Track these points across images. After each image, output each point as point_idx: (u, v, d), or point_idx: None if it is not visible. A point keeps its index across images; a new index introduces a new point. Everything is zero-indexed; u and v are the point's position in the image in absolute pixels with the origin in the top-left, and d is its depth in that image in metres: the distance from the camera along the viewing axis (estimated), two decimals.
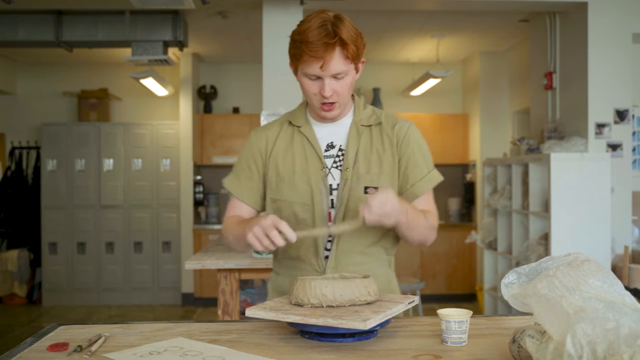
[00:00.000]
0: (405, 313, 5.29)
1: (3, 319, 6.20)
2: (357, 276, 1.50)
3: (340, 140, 1.71)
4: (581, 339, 0.96)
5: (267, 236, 1.43)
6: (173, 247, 6.86)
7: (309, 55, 1.54)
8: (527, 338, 1.12)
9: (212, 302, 6.62)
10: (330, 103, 1.62)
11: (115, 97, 7.14)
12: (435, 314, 1.38)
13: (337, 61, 1.55)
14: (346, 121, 1.73)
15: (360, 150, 1.69)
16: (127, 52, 5.83)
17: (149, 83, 6.17)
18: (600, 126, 4.49)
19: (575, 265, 1.12)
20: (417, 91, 6.88)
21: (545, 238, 4.38)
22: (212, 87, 7.18)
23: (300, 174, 1.67)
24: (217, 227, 6.76)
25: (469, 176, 7.09)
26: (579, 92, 4.59)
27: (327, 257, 1.67)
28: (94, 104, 6.97)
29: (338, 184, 1.67)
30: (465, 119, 7.14)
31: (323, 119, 1.71)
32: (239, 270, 3.45)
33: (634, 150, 5.06)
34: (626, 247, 4.27)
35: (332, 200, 1.67)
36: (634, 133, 5.06)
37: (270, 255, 3.06)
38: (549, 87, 4.87)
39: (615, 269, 4.29)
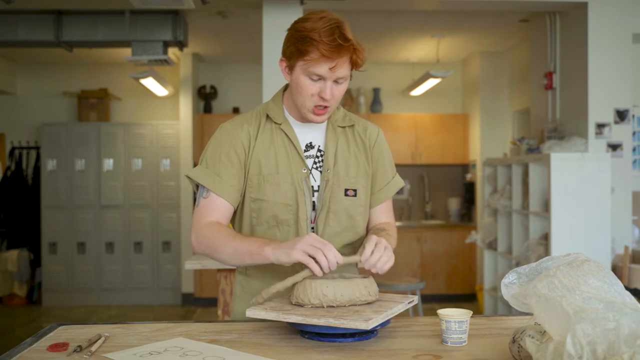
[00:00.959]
0: (405, 313, 5.29)
1: (3, 319, 6.20)
2: (358, 276, 1.50)
3: (318, 141, 1.69)
4: (581, 339, 0.96)
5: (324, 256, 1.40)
6: (173, 247, 6.86)
7: (321, 54, 1.50)
8: (527, 338, 1.12)
9: (212, 302, 6.62)
10: (324, 107, 1.59)
11: (115, 97, 7.14)
12: (435, 314, 1.38)
13: (345, 65, 1.54)
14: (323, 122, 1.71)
15: (339, 151, 1.69)
16: (127, 52, 5.83)
17: (149, 83, 6.17)
18: (600, 126, 4.49)
19: (575, 265, 1.12)
20: (417, 91, 6.88)
21: (545, 238, 4.38)
22: (212, 87, 7.18)
23: (284, 173, 1.63)
24: None
25: (469, 176, 7.09)
26: (579, 92, 4.59)
27: None
28: (94, 104, 6.97)
29: (319, 186, 1.66)
30: (465, 119, 7.14)
31: (307, 121, 1.66)
32: None
33: (634, 150, 5.06)
34: (626, 247, 4.27)
35: (313, 202, 1.65)
36: (634, 133, 5.06)
37: None
38: (549, 87, 4.87)
39: (615, 269, 4.29)
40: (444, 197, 7.45)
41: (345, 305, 1.39)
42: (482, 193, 6.13)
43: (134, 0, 4.06)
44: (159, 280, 6.87)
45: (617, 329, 0.96)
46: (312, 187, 1.66)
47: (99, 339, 1.36)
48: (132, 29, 5.03)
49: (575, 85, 4.65)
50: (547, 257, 1.23)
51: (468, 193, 7.06)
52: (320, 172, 1.67)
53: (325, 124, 1.71)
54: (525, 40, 6.06)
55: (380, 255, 1.47)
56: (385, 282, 4.53)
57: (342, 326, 1.28)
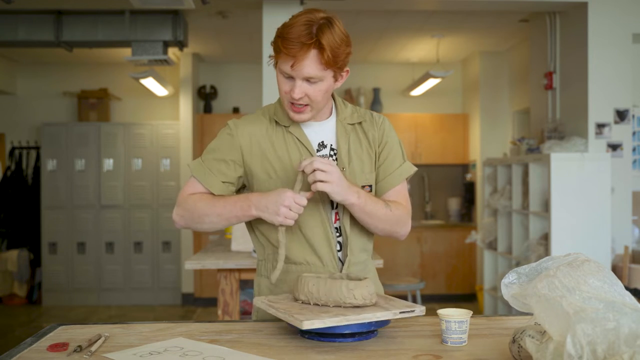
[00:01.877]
0: None
1: (3, 319, 6.20)
2: (361, 277, 1.47)
3: (330, 139, 1.68)
4: (581, 339, 0.96)
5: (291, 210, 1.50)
6: (173, 247, 6.86)
7: (283, 52, 1.51)
8: (527, 338, 1.12)
9: (212, 302, 6.62)
10: (300, 105, 1.58)
11: (115, 97, 7.14)
12: (435, 314, 1.38)
13: (310, 64, 1.51)
14: (331, 120, 1.70)
15: (352, 148, 1.68)
16: (127, 52, 5.83)
17: (149, 83, 6.17)
18: (600, 126, 4.49)
19: (575, 265, 1.12)
20: (417, 91, 6.88)
21: (545, 238, 4.38)
22: (212, 87, 7.18)
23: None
24: None
25: (469, 176, 7.09)
26: (579, 92, 4.59)
27: (340, 259, 1.66)
28: (94, 104, 6.97)
29: None
30: (465, 119, 7.14)
31: (313, 119, 1.66)
32: (239, 270, 3.45)
33: (634, 150, 5.06)
34: (626, 247, 4.27)
35: (331, 201, 1.64)
36: (634, 133, 5.06)
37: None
38: (549, 87, 4.87)
39: (615, 269, 4.29)
40: (444, 197, 7.45)
41: (329, 305, 1.39)
42: (482, 193, 6.13)
43: (134, 0, 4.06)
44: (159, 280, 6.87)
45: (617, 329, 0.96)
46: None
47: (99, 339, 1.36)
48: (132, 29, 5.03)
49: (575, 85, 4.65)
50: (547, 257, 1.23)
51: (468, 193, 7.06)
52: None
53: (334, 122, 1.70)
54: (525, 40, 6.06)
55: (316, 165, 1.48)
56: (385, 282, 4.53)
57: (286, 320, 1.33)
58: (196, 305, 6.76)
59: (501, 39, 6.29)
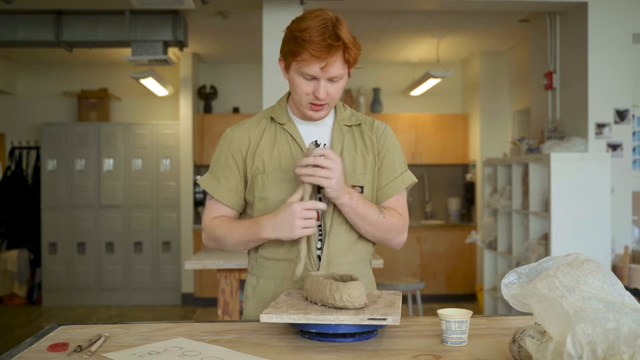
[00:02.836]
0: (405, 313, 5.29)
1: (3, 319, 6.20)
2: (355, 278, 1.45)
3: (324, 139, 1.70)
4: (581, 339, 0.96)
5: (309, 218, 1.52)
6: (173, 247, 6.86)
7: (311, 54, 1.51)
8: (527, 338, 1.12)
9: (212, 302, 6.62)
10: (320, 104, 1.61)
11: (115, 97, 7.14)
12: (435, 314, 1.38)
13: (338, 64, 1.54)
14: (328, 121, 1.72)
15: (345, 148, 1.69)
16: (127, 52, 5.83)
17: (149, 83, 6.17)
18: (600, 126, 4.49)
19: (575, 265, 1.12)
20: (417, 91, 6.88)
21: (545, 238, 4.38)
22: (212, 87, 7.18)
23: (287, 171, 1.64)
24: None
25: (469, 176, 7.09)
26: (579, 92, 4.59)
27: (319, 256, 1.65)
28: (94, 104, 6.97)
29: None
30: (465, 119, 7.14)
31: (308, 118, 1.68)
32: (239, 270, 3.45)
33: (634, 150, 5.06)
34: (626, 247, 4.27)
35: (319, 198, 1.65)
36: (634, 133, 5.06)
37: None
38: (549, 87, 4.87)
39: (615, 269, 4.29)
40: (444, 197, 7.45)
41: (317, 304, 1.40)
42: (482, 193, 6.13)
43: (134, 0, 4.06)
44: (159, 280, 6.87)
45: (617, 329, 0.96)
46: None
47: (99, 339, 1.36)
48: (132, 29, 5.03)
49: (575, 85, 4.65)
50: (547, 257, 1.23)
51: (468, 193, 7.06)
52: None
53: (331, 122, 1.72)
54: (525, 40, 6.06)
55: (319, 162, 1.49)
56: (385, 282, 4.53)
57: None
58: (196, 305, 6.76)
59: (501, 39, 6.29)
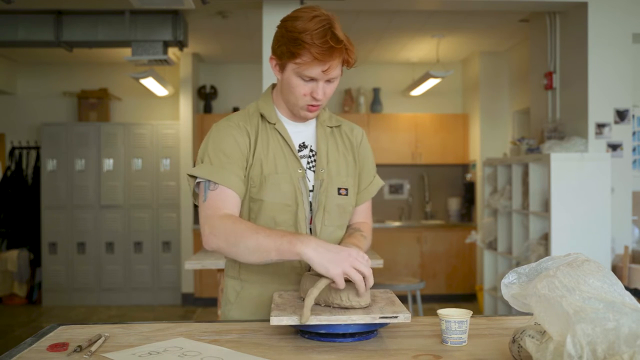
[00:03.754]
0: None
1: (3, 319, 6.20)
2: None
3: (310, 141, 1.69)
4: (581, 339, 0.96)
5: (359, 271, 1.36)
6: (173, 247, 6.86)
7: (314, 57, 1.48)
8: (527, 338, 1.12)
9: (212, 302, 6.62)
10: (317, 105, 1.59)
11: (115, 97, 7.14)
12: (435, 314, 1.38)
13: (338, 66, 1.53)
14: (312, 121, 1.71)
15: (330, 150, 1.69)
16: (127, 52, 5.83)
17: (149, 83, 6.17)
18: (600, 126, 4.49)
19: (575, 265, 1.12)
20: (417, 91, 6.88)
21: (545, 238, 4.38)
22: (212, 87, 7.18)
23: (282, 173, 1.62)
24: None
25: (469, 176, 7.09)
26: (579, 92, 4.59)
27: None
28: (94, 104, 6.97)
29: (313, 185, 1.66)
30: (465, 119, 7.14)
31: (299, 118, 1.66)
32: None
33: (634, 150, 5.06)
34: (626, 247, 4.27)
35: (310, 202, 1.65)
36: (634, 133, 5.06)
37: None
38: (549, 87, 4.87)
39: (615, 269, 4.29)
40: (444, 197, 7.45)
41: (320, 305, 1.40)
42: (482, 193, 6.13)
43: (134, 0, 4.06)
44: (159, 280, 6.87)
45: (617, 329, 0.96)
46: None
47: (99, 339, 1.36)
48: (132, 29, 5.03)
49: (575, 85, 4.65)
50: (547, 257, 1.23)
51: (468, 193, 7.06)
52: (314, 172, 1.67)
53: (314, 123, 1.71)
54: (525, 40, 6.06)
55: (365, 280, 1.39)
56: (386, 282, 4.53)
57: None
58: (196, 305, 6.76)
59: (501, 39, 6.29)
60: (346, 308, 1.36)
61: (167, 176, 6.86)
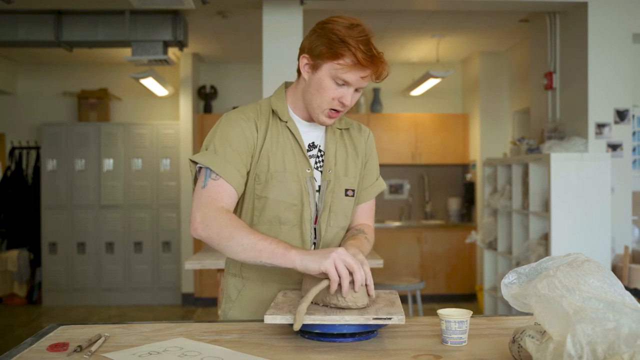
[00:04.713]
0: (405, 313, 5.28)
1: (3, 319, 6.20)
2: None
3: (319, 141, 1.70)
4: (581, 339, 0.96)
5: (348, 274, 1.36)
6: (173, 247, 6.86)
7: (357, 61, 1.48)
8: (527, 338, 1.12)
9: (212, 302, 6.62)
10: (339, 111, 1.59)
11: (115, 97, 7.14)
12: (435, 314, 1.38)
13: (371, 76, 1.55)
14: None
15: (338, 152, 1.70)
16: (127, 52, 5.83)
17: (149, 83, 6.17)
18: (600, 126, 4.49)
19: (575, 265, 1.12)
20: (417, 91, 6.88)
21: (545, 238, 4.38)
22: (212, 87, 7.18)
23: (290, 172, 1.61)
24: None
25: (469, 176, 7.09)
26: (579, 92, 4.59)
27: None
28: (94, 104, 6.97)
29: (319, 186, 1.66)
30: (465, 119, 7.14)
31: (311, 120, 1.66)
32: None
33: (634, 150, 5.06)
34: (626, 247, 4.27)
35: (316, 203, 1.65)
36: (634, 133, 5.06)
37: None
38: (549, 87, 4.87)
39: (615, 269, 4.29)
40: (444, 197, 7.45)
41: (318, 304, 1.41)
42: (482, 193, 6.13)
43: (134, 0, 4.06)
44: (159, 280, 6.87)
45: (617, 329, 0.96)
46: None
47: (99, 339, 1.36)
48: (132, 29, 5.03)
49: (575, 85, 4.65)
50: (547, 257, 1.23)
51: (468, 193, 7.06)
52: (321, 172, 1.67)
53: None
54: (525, 40, 6.06)
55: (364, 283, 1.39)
56: (386, 282, 4.53)
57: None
58: (196, 305, 6.76)
59: (501, 39, 6.29)
60: (342, 308, 1.37)
61: (167, 176, 6.86)
